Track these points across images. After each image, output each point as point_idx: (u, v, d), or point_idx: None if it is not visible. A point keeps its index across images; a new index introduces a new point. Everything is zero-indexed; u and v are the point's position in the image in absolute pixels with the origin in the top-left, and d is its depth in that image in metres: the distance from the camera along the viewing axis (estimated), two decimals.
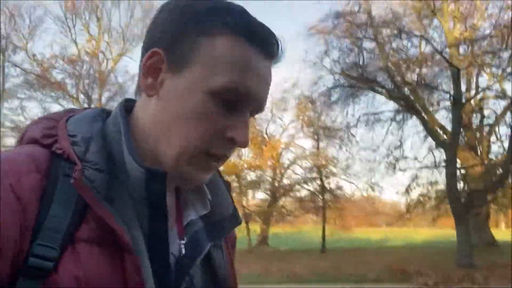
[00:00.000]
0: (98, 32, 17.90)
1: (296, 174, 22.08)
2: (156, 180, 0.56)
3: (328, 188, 20.35)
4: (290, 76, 16.81)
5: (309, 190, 21.43)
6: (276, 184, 22.40)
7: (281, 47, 0.59)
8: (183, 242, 0.61)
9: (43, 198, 0.52)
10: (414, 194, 13.42)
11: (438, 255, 12.59)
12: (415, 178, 13.73)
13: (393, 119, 13.18)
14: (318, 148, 20.67)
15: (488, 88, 11.89)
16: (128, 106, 0.63)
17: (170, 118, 0.57)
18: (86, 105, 16.12)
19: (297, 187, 21.94)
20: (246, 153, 21.49)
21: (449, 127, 11.93)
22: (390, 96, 11.95)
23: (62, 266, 0.49)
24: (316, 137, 20.35)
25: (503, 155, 14.32)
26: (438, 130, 12.44)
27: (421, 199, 13.14)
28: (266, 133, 22.56)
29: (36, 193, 0.52)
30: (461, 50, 11.48)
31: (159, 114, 0.58)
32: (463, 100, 11.37)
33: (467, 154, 14.22)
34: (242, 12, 0.57)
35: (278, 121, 22.26)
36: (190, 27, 0.56)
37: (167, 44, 0.57)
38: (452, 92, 11.04)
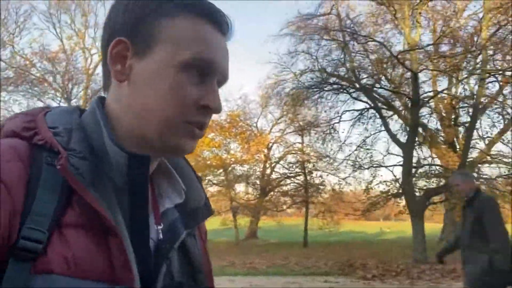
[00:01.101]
0: (83, 28, 18.55)
1: (285, 168, 22.75)
2: (139, 164, 0.59)
3: (311, 182, 20.95)
4: (273, 72, 17.32)
5: (295, 184, 22.11)
6: (266, 178, 23.09)
7: (231, 26, 0.65)
8: (161, 227, 0.64)
9: (28, 185, 0.53)
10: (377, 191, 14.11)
11: (407, 250, 13.30)
12: (375, 175, 14.39)
13: (359, 119, 13.82)
14: (302, 143, 21.33)
15: (446, 90, 12.42)
16: (103, 101, 0.66)
17: (146, 97, 0.60)
18: (65, 102, 16.89)
19: (287, 181, 22.61)
20: (234, 148, 22.23)
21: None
22: (355, 97, 12.58)
23: (51, 248, 0.51)
24: (300, 132, 20.92)
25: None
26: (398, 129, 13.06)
27: (382, 195, 13.83)
28: (256, 127, 23.26)
29: (21, 179, 0.53)
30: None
31: (133, 96, 0.61)
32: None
33: (444, 151, 14.83)
34: None
35: (269, 116, 22.89)
36: (149, 11, 0.60)
37: (130, 30, 0.60)
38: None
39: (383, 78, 12.74)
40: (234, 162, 22.29)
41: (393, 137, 12.49)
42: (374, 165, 14.33)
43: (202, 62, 0.60)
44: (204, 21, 0.61)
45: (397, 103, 13.38)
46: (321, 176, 20.96)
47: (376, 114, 12.70)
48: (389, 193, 13.30)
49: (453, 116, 14.66)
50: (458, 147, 15.15)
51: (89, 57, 18.69)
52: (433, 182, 12.80)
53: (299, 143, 22.04)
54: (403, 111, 13.01)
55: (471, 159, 15.96)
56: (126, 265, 0.54)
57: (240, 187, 23.75)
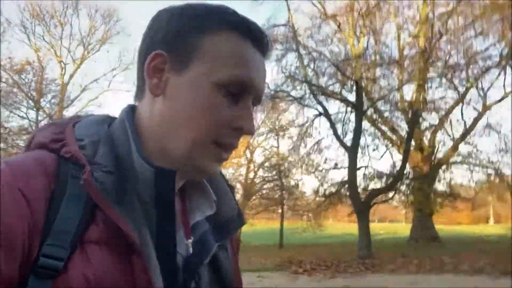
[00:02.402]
0: (58, 39, 19.53)
1: (267, 172, 23.61)
2: (165, 179, 0.58)
3: (287, 185, 21.81)
4: None
5: (272, 187, 22.98)
6: (249, 181, 23.98)
7: (271, 45, 0.65)
8: (190, 241, 0.63)
9: (51, 200, 0.53)
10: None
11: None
12: (323, 178, 15.36)
13: (310, 125, 14.81)
14: (278, 147, 22.24)
15: (382, 97, 13.40)
16: (133, 111, 0.66)
17: (178, 114, 0.60)
18: (33, 112, 17.78)
19: (268, 185, 23.48)
20: None
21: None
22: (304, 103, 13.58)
23: (72, 266, 0.51)
24: (276, 137, 21.80)
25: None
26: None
27: (330, 197, 14.81)
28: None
29: (45, 195, 0.53)
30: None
31: (166, 112, 0.61)
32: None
33: (414, 154, 15.74)
34: (236, 12, 0.63)
35: None
36: (190, 27, 0.60)
37: (169, 45, 0.60)
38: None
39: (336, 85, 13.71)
40: None
41: (341, 141, 13.43)
42: (321, 169, 15.33)
43: (239, 82, 0.60)
44: (245, 40, 0.61)
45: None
46: (297, 179, 21.81)
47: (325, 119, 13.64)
48: (333, 195, 14.26)
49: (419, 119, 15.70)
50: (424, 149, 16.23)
51: (64, 68, 19.64)
52: (375, 183, 13.74)
53: (275, 147, 22.92)
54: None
55: (437, 160, 17.04)
56: (148, 283, 0.53)
57: None
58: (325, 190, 15.05)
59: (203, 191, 0.69)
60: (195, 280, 0.62)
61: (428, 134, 17.42)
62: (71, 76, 19.89)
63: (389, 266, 9.39)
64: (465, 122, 16.57)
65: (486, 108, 15.96)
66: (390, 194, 13.61)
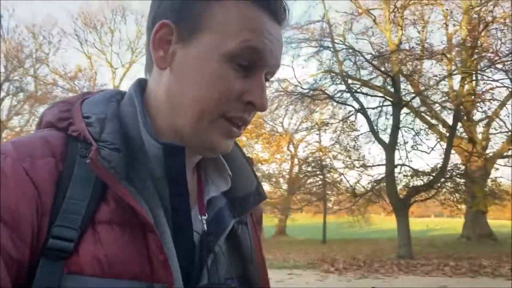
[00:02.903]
0: (108, 45, 20.97)
1: (310, 166, 23.72)
2: (174, 155, 0.56)
3: (329, 180, 21.76)
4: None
5: (315, 182, 23.02)
6: (294, 176, 24.24)
7: (288, 12, 0.61)
8: (205, 218, 0.62)
9: (59, 181, 0.53)
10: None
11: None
12: (359, 175, 15.08)
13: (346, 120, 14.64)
14: (320, 142, 22.20)
15: (420, 92, 12.87)
16: (143, 85, 0.65)
17: (186, 87, 0.58)
18: None
19: (311, 179, 23.60)
20: (258, 148, 23.57)
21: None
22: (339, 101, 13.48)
23: (83, 247, 0.50)
24: (318, 132, 21.78)
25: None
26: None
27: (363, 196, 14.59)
28: (282, 127, 24.42)
29: (52, 176, 0.52)
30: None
31: (173, 85, 0.59)
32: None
33: (464, 146, 15.09)
34: None
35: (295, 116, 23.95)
36: None
37: (176, 14, 0.58)
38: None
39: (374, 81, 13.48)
40: (255, 162, 23.63)
41: (377, 137, 13.17)
42: (358, 166, 15.08)
43: (250, 52, 0.57)
44: (257, 7, 0.57)
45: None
46: (341, 174, 21.71)
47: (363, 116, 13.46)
48: (370, 192, 14.04)
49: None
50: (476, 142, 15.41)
51: (114, 72, 21.07)
52: (415, 180, 13.32)
53: (317, 141, 22.89)
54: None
55: (491, 153, 16.12)
56: (165, 262, 0.52)
57: (265, 187, 25.05)
58: (360, 187, 14.87)
59: (218, 165, 0.68)
60: (212, 258, 0.61)
61: (481, 127, 16.56)
62: (121, 79, 21.32)
63: (424, 268, 9.21)
64: None
65: None
66: (433, 191, 13.14)
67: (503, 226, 18.70)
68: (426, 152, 13.64)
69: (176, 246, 0.56)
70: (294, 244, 19.81)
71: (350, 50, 12.58)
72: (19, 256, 0.49)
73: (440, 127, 14.56)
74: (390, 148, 12.49)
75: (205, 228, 0.62)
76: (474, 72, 12.37)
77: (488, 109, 14.57)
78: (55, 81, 18.84)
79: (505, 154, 16.23)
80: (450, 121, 12.97)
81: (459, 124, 14.50)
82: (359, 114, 13.52)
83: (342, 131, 15.42)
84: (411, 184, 12.90)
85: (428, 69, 13.10)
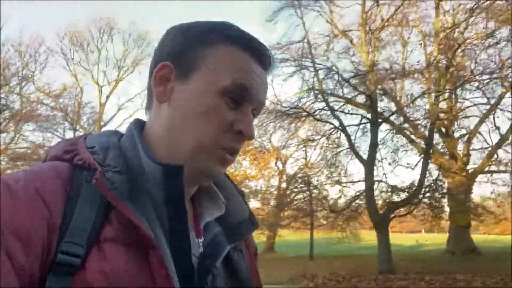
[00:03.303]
0: (95, 64, 21.30)
1: (298, 183, 23.97)
2: (174, 176, 0.60)
3: (316, 196, 22.02)
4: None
5: (303, 198, 23.26)
6: (282, 192, 24.44)
7: (273, 61, 0.69)
8: (201, 240, 0.66)
9: (67, 201, 0.57)
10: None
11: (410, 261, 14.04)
12: (340, 191, 15.45)
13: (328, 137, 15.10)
14: (306, 158, 22.55)
15: (395, 112, 13.43)
16: (140, 124, 0.71)
17: (183, 120, 0.64)
18: (73, 132, 19.41)
19: (300, 195, 23.82)
20: (245, 164, 23.82)
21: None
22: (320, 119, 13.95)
23: (90, 264, 0.53)
24: (304, 148, 22.15)
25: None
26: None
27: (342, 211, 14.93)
28: (270, 143, 24.78)
29: (61, 196, 0.57)
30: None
31: (171, 118, 0.65)
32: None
33: (446, 162, 15.56)
34: (239, 28, 0.68)
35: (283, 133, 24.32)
36: (194, 41, 0.66)
37: (175, 56, 0.66)
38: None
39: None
40: (243, 178, 23.82)
41: (357, 154, 13.59)
42: (339, 182, 15.47)
43: (240, 88, 0.64)
44: (245, 52, 0.66)
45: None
46: (326, 190, 21.99)
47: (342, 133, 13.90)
48: (347, 208, 14.38)
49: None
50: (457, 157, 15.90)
51: (100, 90, 21.34)
52: (394, 196, 13.71)
53: (303, 158, 23.22)
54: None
55: (472, 168, 16.61)
56: (167, 278, 0.55)
57: (253, 203, 25.15)
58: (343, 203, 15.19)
59: (211, 195, 0.73)
60: (209, 280, 0.63)
61: (461, 143, 17.10)
62: (108, 97, 21.57)
63: (401, 282, 9.47)
64: (498, 129, 16.10)
65: None
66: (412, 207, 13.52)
67: (486, 241, 19.04)
68: (411, 168, 14.10)
69: (176, 265, 0.58)
70: (281, 261, 19.88)
71: (330, 69, 13.06)
72: (31, 270, 0.52)
73: (422, 144, 15.12)
74: (369, 164, 12.87)
75: (201, 250, 0.65)
76: (446, 91, 12.92)
77: (462, 127, 15.12)
78: (40, 100, 19.02)
79: (485, 169, 16.77)
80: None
81: (441, 140, 15.11)
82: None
83: (326, 148, 15.81)
84: (391, 199, 13.24)
85: (409, 87, 13.62)
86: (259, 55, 0.67)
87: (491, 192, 16.85)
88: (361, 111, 13.93)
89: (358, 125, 13.61)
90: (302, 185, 22.38)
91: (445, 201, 14.00)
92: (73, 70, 20.91)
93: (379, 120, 12.73)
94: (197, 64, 0.65)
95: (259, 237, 25.27)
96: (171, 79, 0.66)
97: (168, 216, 0.61)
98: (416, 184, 12.87)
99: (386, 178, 14.25)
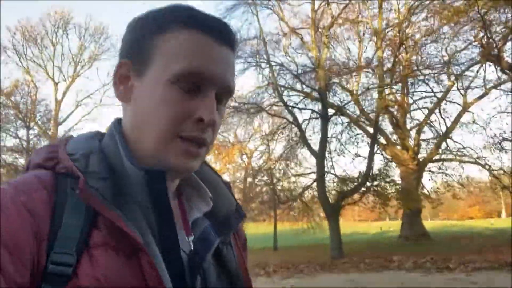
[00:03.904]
0: (50, 59, 20.93)
1: (264, 176, 24.56)
2: (156, 180, 0.61)
3: (280, 188, 22.71)
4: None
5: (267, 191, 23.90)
6: (248, 186, 24.95)
7: (234, 34, 0.66)
8: (192, 239, 0.66)
9: (54, 211, 0.57)
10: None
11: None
12: (294, 183, 16.25)
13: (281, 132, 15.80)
14: (268, 151, 23.18)
15: (344, 106, 14.31)
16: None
17: (142, 116, 0.63)
18: (24, 131, 19.10)
19: (265, 188, 24.40)
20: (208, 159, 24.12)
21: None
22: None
23: (81, 271, 0.54)
24: (267, 141, 22.73)
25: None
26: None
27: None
28: (236, 137, 25.14)
29: (47, 206, 0.57)
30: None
31: (134, 116, 0.65)
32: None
33: (398, 152, 16.54)
34: (191, 9, 0.65)
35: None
36: (147, 32, 0.64)
37: (131, 52, 0.65)
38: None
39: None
40: None
41: (309, 147, 14.36)
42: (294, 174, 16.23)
43: (194, 74, 0.61)
44: (200, 33, 0.63)
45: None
46: (294, 182, 22.72)
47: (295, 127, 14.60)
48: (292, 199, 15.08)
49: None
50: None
51: (55, 86, 21.04)
52: (344, 186, 14.61)
53: (267, 152, 23.82)
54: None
55: (422, 157, 17.76)
56: (159, 281, 0.55)
57: None
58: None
59: (198, 190, 0.72)
60: (200, 276, 0.64)
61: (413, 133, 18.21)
62: (64, 93, 21.28)
63: (343, 265, 10.30)
64: (444, 120, 17.32)
65: (467, 105, 16.61)
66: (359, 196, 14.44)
67: (446, 226, 20.28)
68: (358, 158, 14.95)
69: (166, 265, 0.59)
70: (253, 253, 20.42)
71: (282, 66, 13.68)
72: (22, 281, 0.52)
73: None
74: (320, 157, 13.64)
75: (192, 247, 0.65)
76: (386, 86, 13.83)
77: (414, 118, 16.14)
78: None
79: (434, 158, 17.99)
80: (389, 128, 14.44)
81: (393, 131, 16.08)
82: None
83: (287, 142, 16.45)
84: (340, 189, 14.09)
85: (366, 81, 14.37)
86: (219, 34, 0.64)
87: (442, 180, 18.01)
88: (311, 106, 14.68)
89: (308, 119, 14.33)
90: (265, 178, 23.06)
91: (392, 189, 14.94)
92: (26, 67, 20.49)
93: (329, 115, 13.46)
94: (150, 56, 0.63)
95: None
96: (131, 77, 0.66)
97: (155, 219, 0.61)
98: (362, 174, 13.73)
99: (334, 169, 15.23)
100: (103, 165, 0.62)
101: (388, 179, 14.46)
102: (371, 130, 15.21)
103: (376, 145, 16.17)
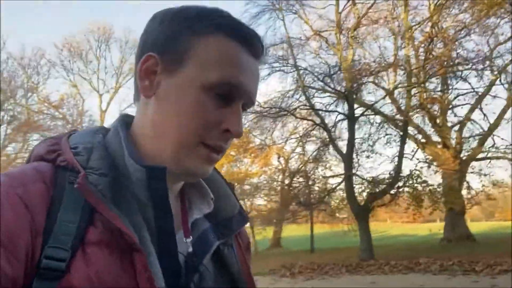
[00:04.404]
0: (95, 72, 22.52)
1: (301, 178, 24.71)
2: (157, 177, 0.60)
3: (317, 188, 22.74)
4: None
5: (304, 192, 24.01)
6: (286, 188, 25.24)
7: (264, 49, 0.67)
8: (190, 240, 0.66)
9: (51, 205, 0.57)
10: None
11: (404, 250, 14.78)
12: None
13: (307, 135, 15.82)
14: (303, 153, 23.25)
15: (372, 105, 14.09)
16: (126, 120, 0.70)
17: (167, 116, 0.63)
18: None
19: (303, 190, 24.54)
20: (246, 162, 24.68)
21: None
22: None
23: (74, 267, 0.54)
24: (301, 143, 22.87)
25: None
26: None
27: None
28: (272, 140, 25.53)
29: (44, 200, 0.57)
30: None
31: (157, 113, 0.64)
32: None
33: (439, 152, 16.12)
34: (230, 15, 0.65)
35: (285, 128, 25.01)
36: (182, 29, 0.63)
37: (161, 47, 0.64)
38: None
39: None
40: (244, 176, 24.63)
41: (337, 149, 14.35)
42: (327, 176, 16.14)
43: (228, 85, 0.62)
44: (236, 42, 0.63)
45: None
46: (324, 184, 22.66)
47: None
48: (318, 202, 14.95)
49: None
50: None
51: (100, 97, 22.57)
52: (373, 188, 14.39)
53: (302, 153, 23.89)
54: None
55: (465, 156, 17.09)
56: (150, 280, 0.55)
57: (259, 200, 25.96)
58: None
59: (200, 191, 0.72)
60: (196, 278, 0.64)
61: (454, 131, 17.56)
62: (108, 104, 22.80)
63: (368, 268, 10.29)
64: (486, 116, 16.55)
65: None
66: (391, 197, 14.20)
67: (501, 227, 19.29)
68: (409, 158, 14.60)
69: (162, 266, 0.59)
70: (284, 255, 20.68)
71: (307, 69, 13.84)
72: (14, 275, 0.52)
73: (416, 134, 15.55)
74: (347, 158, 13.61)
75: (190, 249, 0.65)
76: (415, 85, 13.52)
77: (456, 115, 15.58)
78: (41, 110, 20.36)
79: (478, 157, 17.22)
80: (426, 128, 14.06)
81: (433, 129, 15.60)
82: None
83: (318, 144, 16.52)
84: (371, 191, 13.95)
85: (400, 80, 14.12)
86: (251, 44, 0.65)
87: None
88: (339, 108, 14.67)
89: (336, 121, 14.34)
90: (301, 180, 23.13)
91: (426, 190, 14.54)
92: (73, 80, 22.22)
93: (356, 115, 13.43)
94: (183, 57, 0.63)
95: (261, 233, 26.05)
96: (158, 72, 0.65)
97: (154, 218, 0.61)
98: (393, 175, 13.52)
99: (363, 170, 15.06)
100: (104, 160, 0.62)
101: (419, 180, 14.09)
102: (408, 128, 14.96)
103: (416, 144, 15.93)
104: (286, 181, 24.70)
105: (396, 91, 14.04)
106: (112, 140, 0.66)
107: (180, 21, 0.65)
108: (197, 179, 0.69)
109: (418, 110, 14.15)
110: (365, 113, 14.45)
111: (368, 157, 14.48)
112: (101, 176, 0.60)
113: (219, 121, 0.63)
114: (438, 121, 16.24)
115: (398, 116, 14.39)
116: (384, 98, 13.44)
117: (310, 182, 21.83)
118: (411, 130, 15.58)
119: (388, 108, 15.00)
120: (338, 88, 13.55)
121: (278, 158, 25.07)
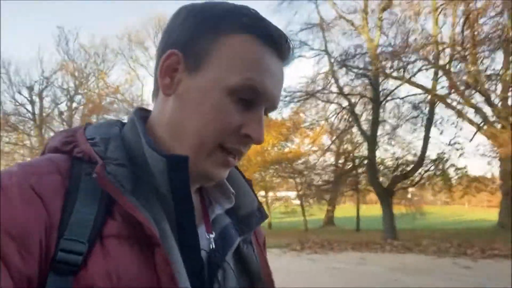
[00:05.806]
0: (151, 58, 24.64)
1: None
2: (178, 167, 0.59)
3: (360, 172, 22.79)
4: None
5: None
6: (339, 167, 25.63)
7: (292, 51, 0.65)
8: (212, 236, 0.65)
9: (66, 196, 0.55)
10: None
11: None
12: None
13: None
14: (351, 134, 23.26)
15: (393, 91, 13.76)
16: (143, 114, 0.69)
17: (187, 116, 0.62)
18: None
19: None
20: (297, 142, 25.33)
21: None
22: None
23: (92, 261, 0.52)
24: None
25: None
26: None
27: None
28: (326, 121, 25.86)
29: (59, 191, 0.55)
30: None
31: (176, 112, 0.63)
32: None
33: (497, 132, 15.47)
34: (257, 14, 0.63)
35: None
36: (207, 28, 0.61)
37: (184, 44, 0.62)
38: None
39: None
40: (294, 156, 25.35)
41: (362, 132, 14.45)
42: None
43: (251, 89, 0.61)
44: (262, 44, 0.62)
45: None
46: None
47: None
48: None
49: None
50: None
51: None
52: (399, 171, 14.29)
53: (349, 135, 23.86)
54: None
55: None
56: (171, 275, 0.54)
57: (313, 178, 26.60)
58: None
59: (221, 186, 0.71)
60: (220, 275, 0.63)
61: None
62: None
63: (375, 246, 10.71)
64: None
65: None
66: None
67: None
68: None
69: (184, 261, 0.57)
70: (332, 233, 21.29)
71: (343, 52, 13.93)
72: (28, 271, 0.50)
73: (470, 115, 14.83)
74: (371, 140, 13.76)
75: (213, 245, 0.65)
76: (442, 66, 12.97)
77: None
78: (108, 94, 23.03)
79: None
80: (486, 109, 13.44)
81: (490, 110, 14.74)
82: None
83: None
84: (395, 173, 13.98)
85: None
86: (278, 46, 0.64)
87: None
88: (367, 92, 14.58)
89: (362, 104, 14.36)
90: (348, 162, 23.23)
91: (458, 173, 14.15)
92: (133, 67, 24.60)
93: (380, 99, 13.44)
94: (207, 57, 0.62)
95: (309, 210, 26.65)
96: (179, 70, 0.64)
97: (175, 211, 0.60)
98: (418, 157, 13.42)
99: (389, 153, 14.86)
100: (122, 151, 0.62)
101: (448, 164, 13.76)
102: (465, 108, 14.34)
103: (472, 125, 15.17)
104: (340, 161, 24.99)
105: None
106: (129, 132, 0.66)
107: (205, 19, 0.63)
108: (212, 183, 0.69)
109: (471, 89, 13.54)
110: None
111: (390, 139, 14.33)
112: (120, 167, 0.59)
113: (240, 126, 0.63)
114: (496, 100, 15.34)
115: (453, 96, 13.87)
116: (410, 79, 13.11)
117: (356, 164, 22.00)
118: (467, 110, 15.02)
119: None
120: (363, 70, 13.56)
121: (332, 138, 25.34)
